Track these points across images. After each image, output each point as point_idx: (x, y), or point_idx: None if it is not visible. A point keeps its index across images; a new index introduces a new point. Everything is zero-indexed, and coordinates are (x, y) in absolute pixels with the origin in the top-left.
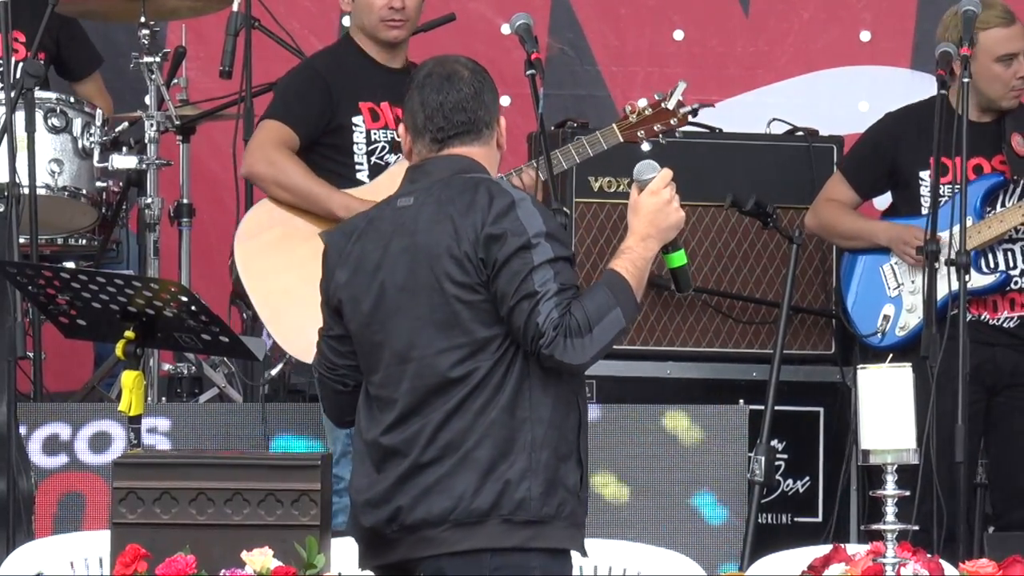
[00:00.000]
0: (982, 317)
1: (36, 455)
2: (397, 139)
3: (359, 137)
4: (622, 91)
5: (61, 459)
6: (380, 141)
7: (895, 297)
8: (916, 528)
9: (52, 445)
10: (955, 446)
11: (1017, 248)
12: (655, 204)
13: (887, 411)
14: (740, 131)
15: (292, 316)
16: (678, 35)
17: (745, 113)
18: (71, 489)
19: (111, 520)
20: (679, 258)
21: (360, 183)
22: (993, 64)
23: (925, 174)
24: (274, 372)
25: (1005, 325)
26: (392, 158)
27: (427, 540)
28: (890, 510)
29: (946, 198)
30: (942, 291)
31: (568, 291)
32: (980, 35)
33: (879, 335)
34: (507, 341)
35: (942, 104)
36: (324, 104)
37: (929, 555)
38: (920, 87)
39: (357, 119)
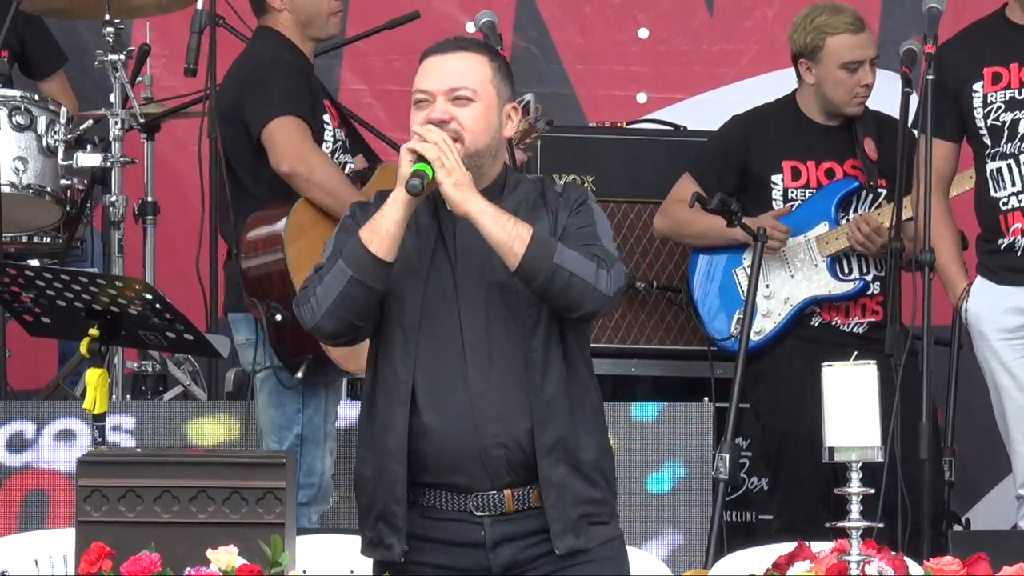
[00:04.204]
0: (834, 322)
1: (0, 453)
2: (343, 139)
3: (328, 136)
4: (587, 89)
5: (25, 457)
6: (339, 140)
7: None
8: (880, 526)
9: (16, 443)
10: (920, 443)
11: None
12: None
13: (852, 409)
14: (704, 129)
15: None
16: (643, 33)
17: (709, 111)
18: (35, 487)
19: (76, 518)
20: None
21: None
22: (838, 70)
23: (777, 178)
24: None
25: (855, 331)
26: (346, 158)
27: None
28: (855, 507)
29: (798, 202)
30: (805, 293)
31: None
32: (828, 40)
33: (733, 339)
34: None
35: (906, 103)
36: (314, 101)
37: (894, 553)
38: (883, 85)
39: (326, 117)
